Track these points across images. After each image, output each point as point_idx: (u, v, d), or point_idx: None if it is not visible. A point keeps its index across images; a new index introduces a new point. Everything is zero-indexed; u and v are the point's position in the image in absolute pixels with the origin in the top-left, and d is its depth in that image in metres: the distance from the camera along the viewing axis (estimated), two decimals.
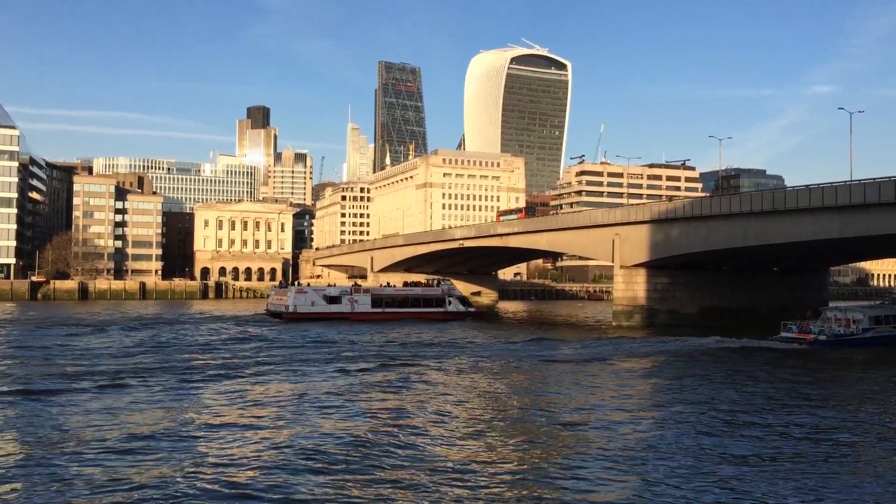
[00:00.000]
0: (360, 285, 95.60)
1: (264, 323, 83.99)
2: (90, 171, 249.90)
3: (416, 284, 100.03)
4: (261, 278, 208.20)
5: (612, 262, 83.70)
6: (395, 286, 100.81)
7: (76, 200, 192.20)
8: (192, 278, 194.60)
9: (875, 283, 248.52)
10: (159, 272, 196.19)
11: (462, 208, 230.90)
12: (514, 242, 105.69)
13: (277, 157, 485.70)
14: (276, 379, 41.14)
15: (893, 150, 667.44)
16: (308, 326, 76.90)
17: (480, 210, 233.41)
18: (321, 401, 33.86)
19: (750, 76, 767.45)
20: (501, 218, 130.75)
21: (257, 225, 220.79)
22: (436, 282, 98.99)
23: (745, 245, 69.20)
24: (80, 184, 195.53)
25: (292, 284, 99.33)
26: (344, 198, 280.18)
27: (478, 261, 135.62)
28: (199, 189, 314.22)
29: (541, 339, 65.48)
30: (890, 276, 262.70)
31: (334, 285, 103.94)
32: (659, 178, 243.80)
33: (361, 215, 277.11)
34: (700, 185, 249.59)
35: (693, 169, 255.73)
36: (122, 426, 27.83)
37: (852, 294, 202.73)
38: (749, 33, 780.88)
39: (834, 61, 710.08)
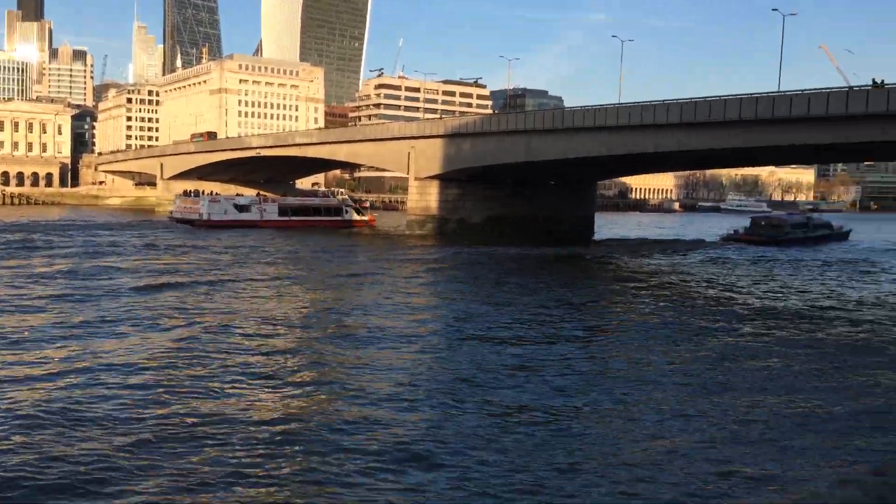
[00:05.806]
0: (266, 196, 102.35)
1: (188, 231, 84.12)
2: None
3: (314, 195, 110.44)
4: (35, 184, 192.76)
5: (408, 174, 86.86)
6: (296, 198, 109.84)
7: None
8: None
9: (633, 196, 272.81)
10: None
11: (259, 116, 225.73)
12: (312, 153, 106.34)
13: (53, 53, 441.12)
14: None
15: (659, 76, 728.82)
16: (228, 232, 79.50)
17: (278, 119, 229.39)
18: None
19: None
20: (194, 139, 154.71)
21: (30, 126, 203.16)
22: (331, 193, 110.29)
23: (528, 160, 74.36)
24: None
25: (193, 194, 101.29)
26: (130, 100, 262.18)
27: (275, 170, 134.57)
28: None
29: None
30: (645, 189, 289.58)
31: (240, 195, 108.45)
32: (453, 94, 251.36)
33: (149, 120, 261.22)
34: (490, 103, 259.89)
35: (484, 87, 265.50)
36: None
37: (614, 206, 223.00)
38: None
39: None
